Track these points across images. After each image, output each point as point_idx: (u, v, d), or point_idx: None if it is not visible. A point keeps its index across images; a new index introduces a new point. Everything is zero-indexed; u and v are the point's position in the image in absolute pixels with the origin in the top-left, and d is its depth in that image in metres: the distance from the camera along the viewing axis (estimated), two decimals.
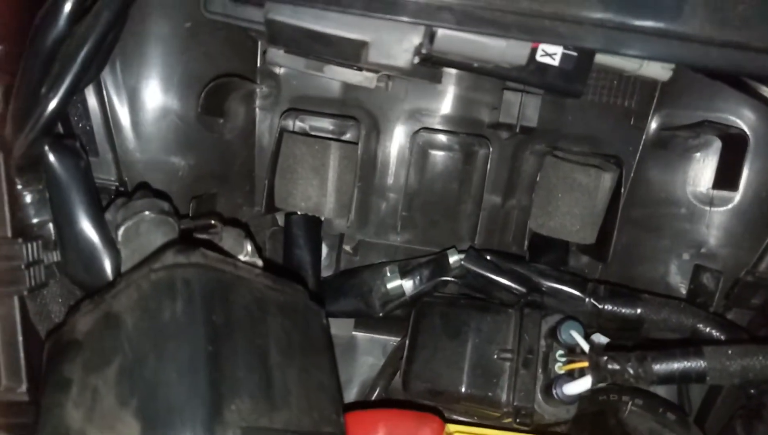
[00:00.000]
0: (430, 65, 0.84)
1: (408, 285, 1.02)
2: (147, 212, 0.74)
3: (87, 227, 0.72)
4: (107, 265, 0.73)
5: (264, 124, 1.12)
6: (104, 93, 0.90)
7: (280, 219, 1.15)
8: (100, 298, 0.61)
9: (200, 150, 1.01)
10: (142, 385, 0.52)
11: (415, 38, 0.71)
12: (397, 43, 0.71)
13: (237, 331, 0.57)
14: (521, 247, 1.14)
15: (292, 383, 0.61)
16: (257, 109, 1.11)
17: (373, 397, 1.10)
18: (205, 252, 0.61)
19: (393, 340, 1.15)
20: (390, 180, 1.13)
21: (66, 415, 0.56)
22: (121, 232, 0.74)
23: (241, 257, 0.77)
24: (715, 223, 1.05)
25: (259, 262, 0.77)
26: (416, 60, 0.74)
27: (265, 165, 1.11)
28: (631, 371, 0.78)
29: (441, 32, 0.70)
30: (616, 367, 0.80)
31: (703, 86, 1.02)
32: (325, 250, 1.13)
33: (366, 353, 1.16)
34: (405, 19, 0.64)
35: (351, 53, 0.73)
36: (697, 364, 0.75)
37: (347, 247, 1.17)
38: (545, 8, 0.64)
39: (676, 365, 0.76)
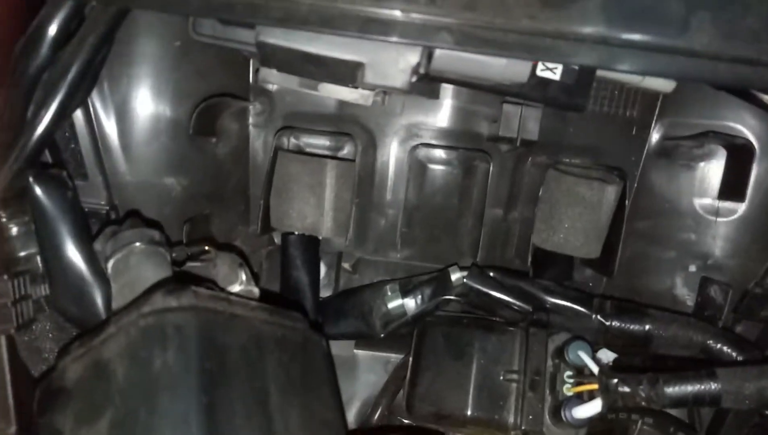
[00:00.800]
0: (427, 82, 0.82)
1: (410, 304, 1.00)
2: (137, 244, 0.72)
3: (76, 260, 0.70)
4: (98, 299, 0.71)
5: (258, 142, 1.09)
6: (92, 115, 0.88)
7: (277, 237, 1.12)
8: (89, 341, 0.58)
9: (193, 170, 0.98)
10: None
11: (413, 58, 0.69)
12: (394, 64, 0.69)
13: (233, 377, 0.55)
14: (524, 260, 1.12)
15: (294, 424, 0.58)
16: (251, 127, 1.08)
17: (376, 416, 1.08)
18: (197, 291, 0.58)
19: (395, 356, 1.13)
20: (388, 196, 1.10)
21: None
22: (110, 264, 0.71)
23: (236, 286, 0.75)
24: (722, 234, 1.03)
25: (255, 291, 0.74)
26: (413, 79, 0.72)
27: (260, 183, 1.08)
28: (643, 394, 0.76)
29: (439, 51, 0.68)
30: (627, 390, 0.78)
31: (706, 95, 1.00)
32: (323, 268, 1.10)
33: (367, 371, 1.14)
34: (402, 40, 0.61)
35: (346, 74, 0.71)
36: (711, 386, 0.73)
37: (346, 265, 1.15)
38: (547, 26, 0.62)
39: (689, 388, 0.73)
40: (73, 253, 0.70)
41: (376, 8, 0.61)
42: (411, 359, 0.97)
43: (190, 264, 0.78)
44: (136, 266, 0.70)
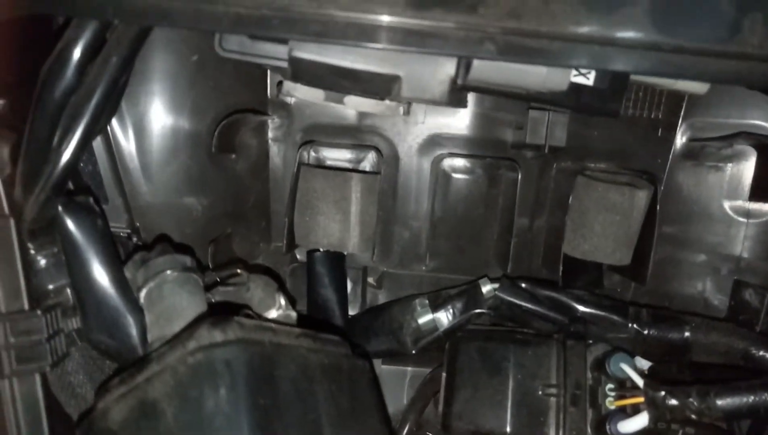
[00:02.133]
0: (458, 91, 0.79)
1: (441, 319, 0.97)
2: (169, 271, 0.69)
3: (108, 291, 0.67)
4: (132, 330, 0.68)
5: (277, 156, 1.07)
6: (110, 136, 0.85)
7: (299, 254, 1.10)
8: (131, 379, 0.55)
9: (213, 188, 0.96)
10: None
11: (450, 68, 0.67)
12: (432, 76, 0.66)
13: (286, 412, 0.52)
14: (551, 269, 1.09)
15: None
16: (270, 141, 1.06)
17: (404, 432, 1.06)
18: (241, 322, 0.56)
19: (419, 371, 1.10)
20: (412, 207, 1.08)
21: None
22: (143, 294, 0.69)
23: (274, 312, 0.72)
24: (754, 236, 1.01)
25: (293, 315, 0.72)
26: (450, 90, 0.69)
27: (281, 198, 1.06)
28: (693, 407, 0.74)
29: (478, 61, 0.65)
30: (675, 402, 0.76)
31: (732, 95, 0.99)
32: (348, 284, 1.08)
33: (392, 385, 1.12)
34: (444, 52, 0.59)
35: (382, 88, 0.68)
36: (767, 398, 0.71)
37: (370, 279, 1.12)
38: (594, 33, 0.59)
39: (743, 400, 0.71)
40: (105, 283, 0.67)
41: (416, 20, 0.58)
42: (444, 376, 0.95)
43: (221, 289, 0.75)
44: (170, 295, 0.68)
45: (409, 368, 1.12)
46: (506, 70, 0.66)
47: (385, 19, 0.58)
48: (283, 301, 0.71)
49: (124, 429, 0.53)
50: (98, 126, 0.71)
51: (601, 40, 0.60)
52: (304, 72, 0.69)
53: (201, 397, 0.49)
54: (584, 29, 0.59)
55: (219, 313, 0.59)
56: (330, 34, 0.59)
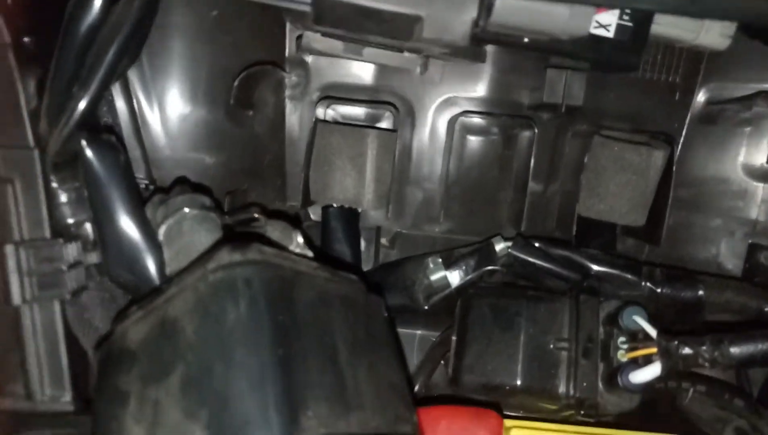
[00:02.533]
0: (476, 43, 0.80)
1: (453, 276, 0.97)
2: (187, 209, 0.70)
3: (129, 225, 0.68)
4: (151, 265, 0.69)
5: (294, 115, 1.07)
6: (130, 89, 0.86)
7: (312, 212, 1.11)
8: (150, 304, 0.56)
9: (230, 145, 0.97)
10: (211, 396, 0.48)
11: (472, 10, 0.67)
12: (454, 17, 0.66)
13: (305, 331, 0.53)
14: (565, 231, 1.10)
15: (363, 382, 0.56)
16: (287, 99, 1.07)
17: None
18: (260, 247, 0.56)
19: (428, 334, 1.10)
20: (426, 169, 1.09)
21: (126, 430, 0.51)
22: (162, 231, 0.70)
23: (291, 250, 0.73)
24: None
25: (310, 254, 0.73)
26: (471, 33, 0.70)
27: (296, 158, 1.07)
28: (707, 356, 0.74)
29: (500, 2, 0.65)
30: (689, 351, 0.76)
31: (751, 57, 0.98)
32: (362, 244, 1.08)
33: None
34: None
35: (403, 30, 0.69)
36: None
37: (383, 240, 1.13)
38: None
39: (759, 346, 0.71)
40: (126, 218, 0.68)
41: None
42: (456, 331, 0.95)
43: (239, 230, 0.76)
44: (189, 232, 0.69)
45: (418, 332, 1.12)
46: (528, 12, 0.66)
47: None
48: (300, 240, 0.72)
49: (142, 347, 0.54)
50: (121, 66, 0.72)
51: None
52: (327, 14, 0.69)
53: (222, 313, 0.50)
54: None
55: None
56: None
